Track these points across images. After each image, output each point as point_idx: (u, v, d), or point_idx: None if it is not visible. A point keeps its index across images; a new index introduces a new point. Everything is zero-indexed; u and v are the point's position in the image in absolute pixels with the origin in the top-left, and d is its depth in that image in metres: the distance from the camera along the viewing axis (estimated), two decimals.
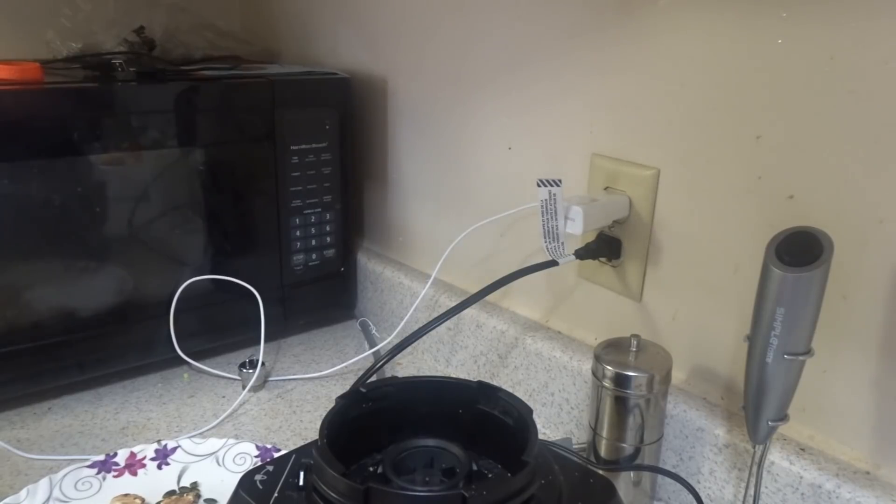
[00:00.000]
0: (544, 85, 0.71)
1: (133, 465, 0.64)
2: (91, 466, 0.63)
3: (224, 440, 0.66)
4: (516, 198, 0.75)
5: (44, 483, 0.60)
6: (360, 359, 0.86)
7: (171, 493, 0.61)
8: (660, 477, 0.62)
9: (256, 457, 0.64)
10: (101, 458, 0.63)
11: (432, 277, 0.81)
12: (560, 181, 0.59)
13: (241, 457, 0.65)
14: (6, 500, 0.58)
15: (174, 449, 0.65)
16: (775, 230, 0.47)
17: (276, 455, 0.64)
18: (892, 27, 0.47)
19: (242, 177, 0.81)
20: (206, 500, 0.61)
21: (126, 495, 0.60)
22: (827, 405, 0.55)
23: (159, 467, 0.64)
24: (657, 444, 0.60)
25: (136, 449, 0.65)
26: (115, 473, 0.63)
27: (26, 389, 0.74)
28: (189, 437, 0.67)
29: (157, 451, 0.65)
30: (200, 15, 0.95)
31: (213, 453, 0.65)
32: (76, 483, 0.61)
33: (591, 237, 0.68)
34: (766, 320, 0.46)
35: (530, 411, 0.46)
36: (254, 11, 1.12)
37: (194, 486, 0.62)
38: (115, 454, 0.64)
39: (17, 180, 0.67)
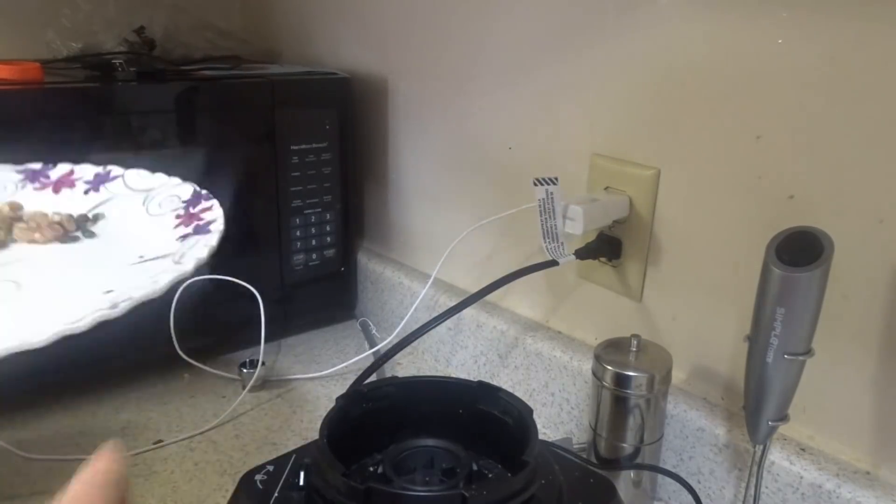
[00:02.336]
0: (544, 85, 0.71)
1: (63, 183, 0.56)
2: (19, 171, 0.55)
3: (169, 180, 0.55)
4: (516, 198, 0.75)
5: None
6: (360, 359, 0.86)
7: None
8: (660, 477, 0.62)
9: (185, 202, 0.53)
10: (38, 166, 0.56)
11: (432, 277, 0.81)
12: (556, 179, 0.59)
13: (170, 199, 0.54)
14: None
15: (115, 177, 0.56)
16: (775, 230, 0.47)
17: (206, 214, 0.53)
18: (892, 27, 0.47)
19: (242, 177, 0.81)
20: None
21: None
22: (827, 405, 0.55)
23: (86, 192, 0.55)
24: (657, 444, 0.60)
25: (76, 167, 0.56)
26: (39, 185, 0.55)
27: (26, 389, 0.74)
28: (140, 172, 0.57)
29: (96, 175, 0.56)
30: (200, 15, 0.95)
31: (148, 190, 0.55)
32: None
33: (591, 237, 0.68)
34: (766, 320, 0.47)
35: (530, 411, 0.46)
36: (254, 11, 1.12)
37: (96, 217, 0.54)
38: (55, 166, 0.56)
39: None
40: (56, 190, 0.55)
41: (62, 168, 0.56)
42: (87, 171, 0.56)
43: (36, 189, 0.55)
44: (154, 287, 0.39)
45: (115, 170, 0.57)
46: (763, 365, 0.48)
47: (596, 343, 0.62)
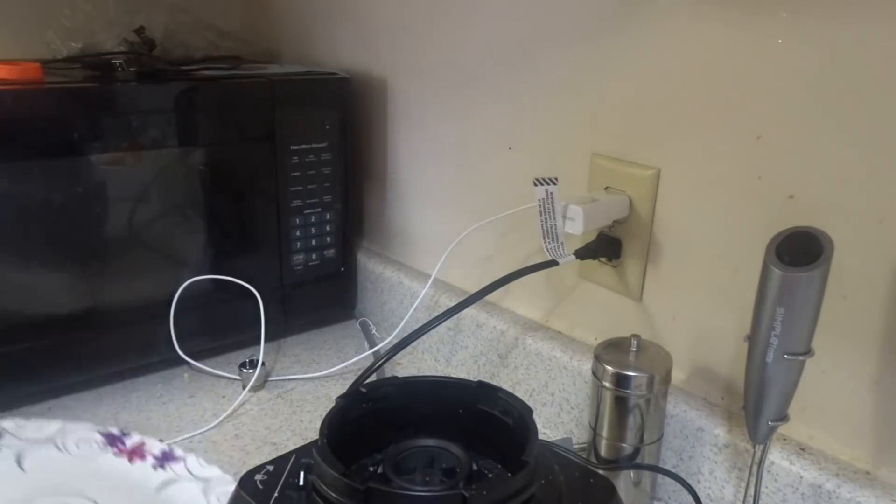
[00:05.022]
0: (544, 85, 0.71)
1: (135, 454, 0.63)
2: (102, 434, 0.63)
3: (223, 475, 0.60)
4: (516, 198, 0.75)
5: (55, 424, 0.62)
6: (360, 359, 0.86)
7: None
8: (660, 477, 0.62)
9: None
10: (116, 432, 0.63)
11: (432, 277, 0.81)
12: (556, 179, 0.59)
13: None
14: (17, 419, 0.61)
15: (178, 459, 0.63)
16: (775, 230, 0.47)
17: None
18: (892, 27, 0.47)
19: (242, 177, 0.81)
20: None
21: None
22: (827, 405, 0.55)
23: (154, 468, 0.62)
24: (657, 444, 0.60)
25: (147, 440, 0.63)
26: (117, 451, 0.62)
27: (26, 389, 0.74)
28: (197, 458, 0.63)
29: (162, 452, 0.63)
30: (200, 15, 0.95)
31: (206, 481, 0.60)
32: (79, 441, 0.62)
33: (591, 237, 0.68)
34: (766, 320, 0.46)
35: (530, 411, 0.46)
36: (254, 11, 1.12)
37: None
38: (129, 434, 0.63)
39: (17, 180, 0.67)
40: (130, 459, 0.62)
41: (135, 438, 0.63)
42: (155, 446, 0.63)
43: (115, 454, 0.62)
44: None
45: (177, 451, 0.63)
46: (763, 365, 0.48)
47: (596, 343, 0.62)
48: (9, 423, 0.61)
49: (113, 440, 0.63)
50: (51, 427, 0.62)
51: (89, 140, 0.70)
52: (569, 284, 0.74)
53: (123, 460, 0.62)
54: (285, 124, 0.82)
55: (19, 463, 0.59)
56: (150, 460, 0.63)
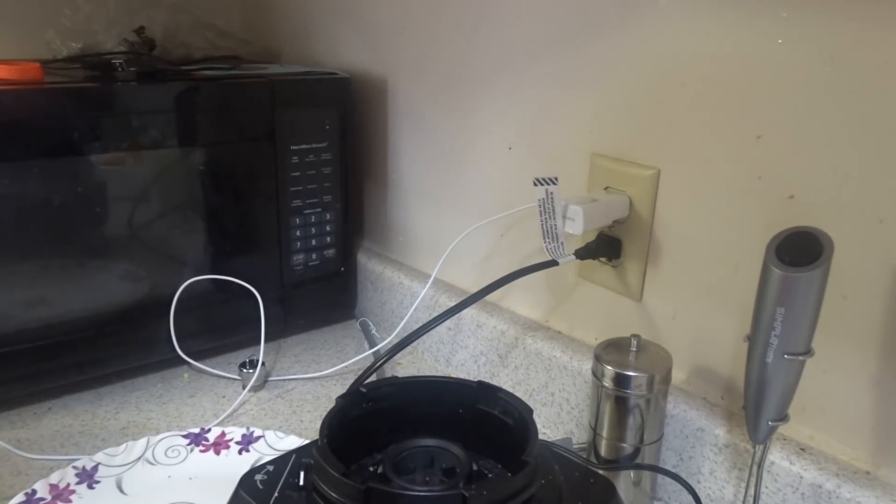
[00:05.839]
0: (544, 85, 0.71)
1: (219, 445, 0.67)
2: (185, 437, 0.67)
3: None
4: (516, 198, 0.76)
5: (142, 442, 0.65)
6: (360, 359, 0.86)
7: None
8: (660, 477, 0.62)
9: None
10: (196, 430, 0.67)
11: (432, 277, 0.81)
12: (556, 179, 0.59)
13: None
14: (106, 450, 0.64)
15: (258, 438, 0.67)
16: (775, 230, 0.47)
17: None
18: (892, 27, 0.47)
19: (242, 177, 0.81)
20: None
21: None
22: (827, 405, 0.55)
23: (240, 452, 0.66)
24: (657, 444, 0.60)
25: (227, 429, 0.68)
26: (203, 448, 0.66)
27: (26, 389, 0.74)
28: (274, 431, 0.68)
29: (243, 436, 0.67)
30: (200, 15, 0.95)
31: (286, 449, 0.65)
32: (167, 450, 0.65)
33: (591, 237, 0.68)
34: (766, 320, 0.46)
35: (530, 411, 0.46)
36: (254, 11, 1.12)
37: None
38: (209, 430, 0.67)
39: (17, 180, 0.67)
40: (217, 452, 0.66)
41: (216, 431, 0.68)
42: (235, 432, 0.68)
43: (201, 451, 0.66)
44: None
45: (256, 431, 0.68)
46: (763, 365, 0.48)
47: (596, 343, 0.62)
48: (100, 456, 0.63)
49: (196, 438, 0.67)
50: (138, 446, 0.65)
51: (89, 140, 0.70)
52: (569, 284, 0.74)
53: (210, 454, 0.66)
54: (285, 124, 0.82)
55: (120, 488, 0.62)
56: (234, 447, 0.67)
